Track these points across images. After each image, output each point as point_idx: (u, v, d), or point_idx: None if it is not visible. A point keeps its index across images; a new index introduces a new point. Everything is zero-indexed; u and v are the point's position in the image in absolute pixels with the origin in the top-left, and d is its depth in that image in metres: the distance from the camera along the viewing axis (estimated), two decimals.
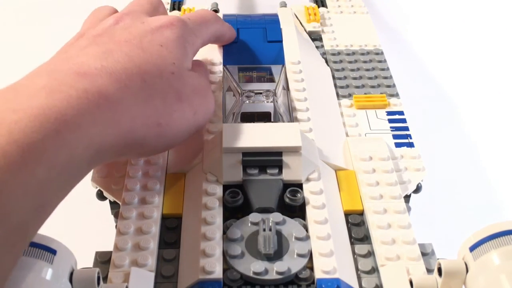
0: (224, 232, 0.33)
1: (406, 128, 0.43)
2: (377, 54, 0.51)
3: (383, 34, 0.59)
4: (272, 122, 0.43)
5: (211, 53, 0.48)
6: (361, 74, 0.48)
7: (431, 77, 0.68)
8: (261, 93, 0.45)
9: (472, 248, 0.28)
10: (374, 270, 0.33)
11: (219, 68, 0.47)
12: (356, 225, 0.35)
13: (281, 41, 0.50)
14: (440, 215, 0.51)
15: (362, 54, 0.51)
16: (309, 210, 0.35)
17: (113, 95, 0.32)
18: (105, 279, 0.31)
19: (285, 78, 0.46)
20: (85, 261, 0.32)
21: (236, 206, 0.35)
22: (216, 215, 0.34)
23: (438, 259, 0.31)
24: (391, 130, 0.43)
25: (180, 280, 0.32)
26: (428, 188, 0.40)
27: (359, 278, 0.32)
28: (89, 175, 0.37)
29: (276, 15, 0.54)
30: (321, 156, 0.39)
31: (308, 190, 0.36)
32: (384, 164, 0.39)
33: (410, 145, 0.41)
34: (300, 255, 0.32)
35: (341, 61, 0.50)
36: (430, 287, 0.30)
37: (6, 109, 0.27)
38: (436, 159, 0.53)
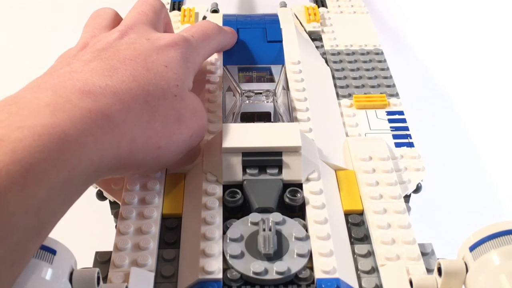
0: (224, 232, 0.33)
1: (406, 128, 0.43)
2: (377, 54, 0.51)
3: (383, 34, 0.59)
4: (272, 122, 0.43)
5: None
6: (361, 74, 0.48)
7: (431, 77, 0.68)
8: (261, 93, 0.45)
9: (472, 248, 0.28)
10: (374, 270, 0.33)
11: (219, 68, 0.47)
12: (356, 225, 0.35)
13: (281, 41, 0.50)
14: (440, 215, 0.51)
15: (362, 54, 0.51)
16: (309, 210, 0.35)
17: (116, 116, 0.31)
18: (105, 279, 0.31)
19: (285, 78, 0.46)
20: (85, 261, 0.32)
21: (236, 206, 0.35)
22: (216, 215, 0.34)
23: (438, 259, 0.31)
24: (391, 130, 0.43)
25: (180, 280, 0.32)
26: (428, 188, 0.40)
27: (359, 278, 0.32)
28: None
29: (276, 15, 0.54)
30: (321, 156, 0.39)
31: (308, 190, 0.36)
32: (384, 164, 0.39)
33: (410, 145, 0.41)
34: (300, 255, 0.32)
35: (341, 61, 0.50)
36: (430, 287, 0.30)
37: (10, 125, 0.27)
38: (436, 159, 0.53)
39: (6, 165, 0.25)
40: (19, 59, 0.68)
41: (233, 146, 0.36)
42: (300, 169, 0.36)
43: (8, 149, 0.26)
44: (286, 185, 0.36)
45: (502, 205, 0.53)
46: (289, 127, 0.38)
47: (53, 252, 0.28)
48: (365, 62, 0.50)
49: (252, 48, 0.49)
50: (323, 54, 0.51)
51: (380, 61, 0.50)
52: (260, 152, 0.36)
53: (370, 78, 0.48)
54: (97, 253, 0.33)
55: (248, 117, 0.43)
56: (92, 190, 0.39)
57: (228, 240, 0.33)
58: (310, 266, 0.31)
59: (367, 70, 0.49)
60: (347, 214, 0.36)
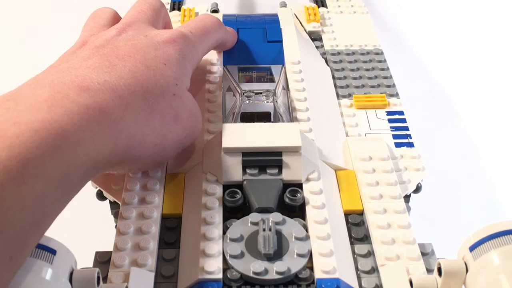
0: (224, 232, 0.33)
1: (406, 128, 0.43)
2: (377, 54, 0.51)
3: (383, 34, 0.59)
4: (272, 122, 0.43)
5: (211, 53, 0.48)
6: (361, 74, 0.48)
7: (431, 77, 0.68)
8: (261, 93, 0.45)
9: (472, 248, 0.28)
10: (374, 270, 0.33)
11: (219, 68, 0.47)
12: (356, 225, 0.35)
13: (281, 41, 0.50)
14: (440, 215, 0.51)
15: (362, 54, 0.51)
16: (309, 210, 0.35)
17: (114, 112, 0.31)
18: (105, 279, 0.31)
19: (285, 78, 0.46)
20: (85, 261, 0.32)
21: (236, 206, 0.35)
22: (216, 215, 0.34)
23: (438, 259, 0.31)
24: (391, 130, 0.43)
25: (180, 280, 0.32)
26: (428, 188, 0.40)
27: (359, 278, 0.32)
28: None
29: (276, 15, 0.54)
30: (321, 156, 0.39)
31: (308, 190, 0.36)
32: (384, 164, 0.39)
33: (410, 145, 0.41)
34: (300, 255, 0.32)
35: (341, 61, 0.50)
36: (430, 287, 0.30)
37: (7, 120, 0.27)
38: (436, 159, 0.53)
39: (3, 160, 0.25)
40: (19, 59, 0.68)
41: (233, 146, 0.36)
42: (300, 169, 0.36)
43: (5, 145, 0.26)
44: (286, 185, 0.36)
45: (502, 205, 0.53)
46: (289, 127, 0.38)
47: (53, 252, 0.28)
48: (365, 62, 0.50)
49: (252, 48, 0.49)
50: (323, 54, 0.51)
51: (380, 61, 0.50)
52: (260, 152, 0.36)
53: (370, 78, 0.48)
54: (97, 253, 0.33)
55: (248, 117, 0.43)
56: (92, 190, 0.39)
57: (228, 240, 0.33)
58: (310, 266, 0.31)
59: (367, 70, 0.49)
60: (347, 214, 0.36)
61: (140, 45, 0.36)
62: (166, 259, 0.33)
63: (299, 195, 0.36)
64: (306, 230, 0.33)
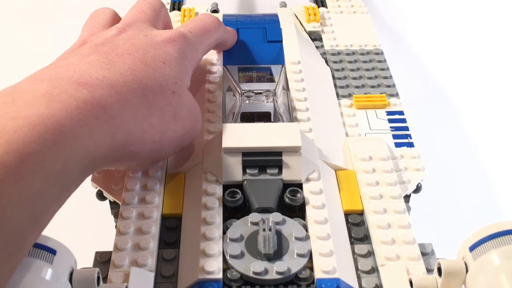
0: (224, 232, 0.33)
1: (406, 128, 0.43)
2: (377, 54, 0.51)
3: (383, 34, 0.59)
4: (272, 122, 0.43)
5: (211, 53, 0.48)
6: (361, 74, 0.48)
7: (431, 77, 0.68)
8: (261, 93, 0.45)
9: (472, 248, 0.28)
10: (374, 270, 0.33)
11: (219, 68, 0.47)
12: (356, 225, 0.35)
13: (281, 41, 0.50)
14: (440, 215, 0.51)
15: (362, 54, 0.51)
16: (309, 210, 0.35)
17: (112, 107, 0.31)
18: (105, 279, 0.31)
19: (285, 78, 0.46)
20: (85, 261, 0.32)
21: (236, 206, 0.35)
22: (216, 215, 0.34)
23: (438, 259, 0.31)
24: (391, 130, 0.43)
25: (180, 280, 0.32)
26: (428, 188, 0.40)
27: (359, 278, 0.32)
28: None
29: (276, 15, 0.54)
30: (321, 156, 0.39)
31: (308, 190, 0.36)
32: (384, 164, 0.39)
33: (410, 145, 0.41)
34: (300, 255, 0.32)
35: (341, 61, 0.50)
36: (430, 287, 0.30)
37: (4, 115, 0.27)
38: (436, 159, 0.53)
39: (1, 155, 0.25)
40: (19, 59, 0.68)
41: (233, 146, 0.36)
42: (300, 169, 0.36)
43: (3, 140, 0.26)
44: (286, 185, 0.36)
45: (502, 205, 0.53)
46: (289, 127, 0.38)
47: (53, 252, 0.28)
48: (365, 62, 0.50)
49: (252, 48, 0.49)
50: (323, 54, 0.51)
51: (380, 61, 0.50)
52: (260, 152, 0.36)
53: (370, 78, 0.48)
54: (97, 253, 0.33)
55: (248, 117, 0.43)
56: (92, 190, 0.39)
57: (228, 240, 0.33)
58: (310, 266, 0.31)
59: (367, 70, 0.49)
60: (347, 214, 0.36)
61: (140, 44, 0.36)
62: (166, 259, 0.33)
63: (299, 195, 0.36)
64: (306, 230, 0.33)
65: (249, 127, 0.38)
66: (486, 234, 0.28)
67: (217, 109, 0.43)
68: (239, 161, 0.36)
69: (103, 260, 0.33)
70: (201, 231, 0.33)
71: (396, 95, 0.46)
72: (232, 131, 0.38)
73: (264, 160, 0.36)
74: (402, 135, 0.42)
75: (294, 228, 0.33)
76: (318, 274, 0.31)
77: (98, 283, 0.28)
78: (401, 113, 0.44)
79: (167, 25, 0.44)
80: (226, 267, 0.31)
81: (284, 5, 0.59)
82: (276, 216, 0.34)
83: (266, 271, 0.31)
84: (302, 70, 0.46)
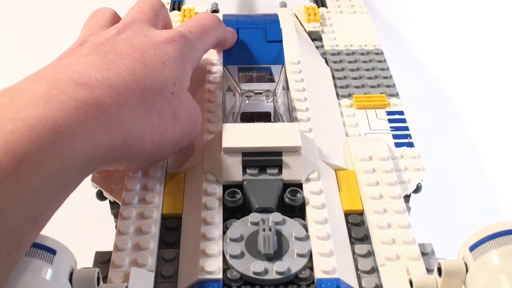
0: (224, 232, 0.33)
1: (406, 128, 0.43)
2: (377, 54, 0.51)
3: (383, 34, 0.59)
4: (272, 122, 0.43)
5: (211, 53, 0.48)
6: (361, 74, 0.48)
7: (431, 77, 0.68)
8: (261, 93, 0.45)
9: (472, 248, 0.28)
10: (374, 270, 0.33)
11: (219, 68, 0.47)
12: (356, 225, 0.35)
13: (281, 41, 0.50)
14: (440, 215, 0.51)
15: (362, 54, 0.51)
16: (309, 210, 0.35)
17: (111, 108, 0.31)
18: (105, 279, 0.31)
19: (285, 78, 0.46)
20: (85, 261, 0.32)
21: (236, 206, 0.35)
22: (216, 215, 0.34)
23: (438, 259, 0.31)
24: (391, 130, 0.43)
25: (180, 280, 0.32)
26: (428, 188, 0.40)
27: (359, 278, 0.32)
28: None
29: (276, 15, 0.54)
30: (321, 156, 0.39)
31: (308, 190, 0.36)
32: (384, 164, 0.39)
33: (410, 145, 0.41)
34: (300, 255, 0.32)
35: (341, 61, 0.50)
36: (430, 287, 0.30)
37: (2, 116, 0.27)
38: (436, 159, 0.53)
39: None
40: (19, 59, 0.68)
41: (233, 146, 0.36)
42: (300, 169, 0.36)
43: (0, 141, 0.26)
44: (286, 185, 0.36)
45: (502, 205, 0.53)
46: (289, 127, 0.38)
47: (53, 252, 0.28)
48: (365, 62, 0.50)
49: (252, 48, 0.49)
50: (323, 54, 0.51)
51: (380, 61, 0.50)
52: (260, 152, 0.36)
53: (370, 78, 0.48)
54: (97, 253, 0.33)
55: (248, 117, 0.43)
56: (92, 190, 0.39)
57: (228, 240, 0.33)
58: (310, 266, 0.31)
59: (367, 70, 0.49)
60: (347, 214, 0.36)
61: (139, 44, 0.36)
62: (166, 259, 0.33)
63: (299, 195, 0.36)
64: (306, 230, 0.33)
65: (249, 127, 0.38)
66: (486, 234, 0.28)
67: (217, 109, 0.43)
68: (239, 161, 0.36)
69: (103, 260, 0.33)
70: (201, 231, 0.33)
71: (396, 95, 0.46)
72: (232, 131, 0.38)
73: (264, 160, 0.36)
74: (402, 135, 0.42)
75: (294, 228, 0.33)
76: (318, 274, 0.31)
77: (98, 283, 0.28)
78: (401, 113, 0.44)
79: (167, 25, 0.44)
80: (226, 267, 0.31)
81: (284, 5, 0.59)
82: (276, 216, 0.34)
83: (266, 271, 0.31)
84: (302, 70, 0.46)
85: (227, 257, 0.32)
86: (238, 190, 0.36)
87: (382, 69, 0.49)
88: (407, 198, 0.39)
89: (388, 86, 0.47)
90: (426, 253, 0.33)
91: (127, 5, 0.42)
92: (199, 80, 0.45)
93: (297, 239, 0.33)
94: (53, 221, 0.29)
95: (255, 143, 0.37)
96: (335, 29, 0.54)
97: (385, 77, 0.48)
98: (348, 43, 0.52)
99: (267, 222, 0.33)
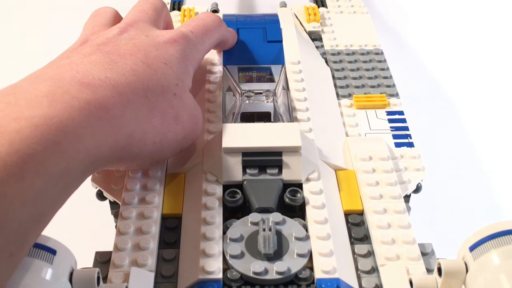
0: (224, 232, 0.33)
1: (406, 128, 0.43)
2: (377, 54, 0.51)
3: (383, 34, 0.59)
4: (272, 122, 0.43)
5: (211, 53, 0.48)
6: (361, 74, 0.48)
7: (431, 77, 0.68)
8: (261, 93, 0.45)
9: (472, 248, 0.28)
10: (374, 270, 0.33)
11: (219, 68, 0.47)
12: (356, 225, 0.35)
13: (281, 41, 0.50)
14: (440, 215, 0.51)
15: (362, 54, 0.51)
16: (309, 210, 0.35)
17: (115, 108, 0.31)
18: (105, 279, 0.31)
19: (285, 78, 0.46)
20: (85, 261, 0.32)
21: (236, 206, 0.35)
22: (216, 215, 0.34)
23: (438, 259, 0.31)
24: (391, 130, 0.43)
25: (180, 280, 0.32)
26: (428, 188, 0.40)
27: (359, 278, 0.32)
28: None
29: (276, 15, 0.54)
30: (321, 156, 0.39)
31: (308, 190, 0.36)
32: (384, 164, 0.39)
33: (410, 145, 0.41)
34: (300, 255, 0.32)
35: (341, 61, 0.50)
36: (430, 287, 0.30)
37: (7, 115, 0.27)
38: (436, 159, 0.53)
39: (3, 156, 0.25)
40: (19, 59, 0.68)
41: (233, 146, 0.36)
42: (300, 169, 0.36)
43: (5, 140, 0.26)
44: (286, 185, 0.36)
45: (502, 205, 0.53)
46: (289, 127, 0.38)
47: (53, 252, 0.28)
48: (365, 62, 0.50)
49: (252, 48, 0.49)
50: (323, 54, 0.51)
51: (380, 61, 0.50)
52: (260, 152, 0.36)
53: (370, 78, 0.48)
54: (97, 253, 0.33)
55: (248, 117, 0.43)
56: (92, 190, 0.39)
57: (228, 240, 0.33)
58: (310, 266, 0.31)
59: (367, 70, 0.49)
60: (347, 214, 0.36)
61: (142, 44, 0.36)
62: (166, 259, 0.33)
63: (299, 195, 0.36)
64: (306, 230, 0.33)
65: (249, 127, 0.38)
66: (486, 234, 0.28)
67: (217, 109, 0.43)
68: (239, 161, 0.36)
69: (103, 260, 0.33)
70: (201, 231, 0.33)
71: (396, 95, 0.46)
72: (232, 131, 0.38)
73: (264, 160, 0.36)
74: (402, 135, 0.42)
75: (294, 228, 0.33)
76: (318, 274, 0.31)
77: (98, 283, 0.28)
78: (401, 113, 0.44)
79: (168, 25, 0.44)
80: (226, 267, 0.31)
81: (284, 5, 0.59)
82: (276, 216, 0.34)
83: (266, 271, 0.31)
84: (302, 70, 0.46)
85: (227, 257, 0.32)
86: (238, 190, 0.36)
87: (382, 69, 0.49)
88: (407, 198, 0.39)
89: (388, 86, 0.47)
90: (426, 253, 0.33)
91: (128, 5, 0.42)
92: (199, 80, 0.45)
93: (297, 239, 0.33)
94: (53, 221, 0.29)
95: (255, 143, 0.37)
96: (335, 29, 0.54)
97: (385, 77, 0.48)
98: (348, 43, 0.52)
99: (267, 222, 0.33)
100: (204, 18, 0.43)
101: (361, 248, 0.34)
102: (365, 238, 0.35)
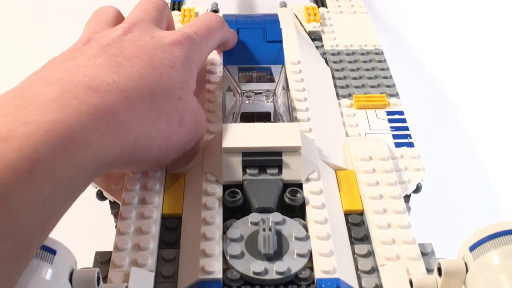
0: (224, 232, 0.33)
1: (406, 128, 0.43)
2: (377, 54, 0.51)
3: (383, 34, 0.59)
4: (272, 122, 0.43)
5: (211, 53, 0.48)
6: (361, 74, 0.48)
7: (431, 77, 0.68)
8: (261, 93, 0.45)
9: (472, 248, 0.28)
10: (374, 270, 0.33)
11: (219, 68, 0.47)
12: (356, 225, 0.35)
13: (281, 41, 0.50)
14: (440, 215, 0.51)
15: (362, 54, 0.51)
16: (309, 210, 0.35)
17: (122, 113, 0.31)
18: (105, 279, 0.31)
19: (285, 78, 0.46)
20: (85, 261, 0.32)
21: (236, 206, 0.35)
22: (216, 215, 0.34)
23: (438, 259, 0.31)
24: (391, 130, 0.43)
25: (180, 280, 0.32)
26: (428, 188, 0.40)
27: (359, 278, 0.32)
28: None
29: (276, 15, 0.54)
30: (321, 156, 0.39)
31: (308, 190, 0.36)
32: (384, 164, 0.39)
33: (410, 145, 0.41)
34: (300, 255, 0.32)
35: (341, 61, 0.50)
36: (430, 287, 0.30)
37: (16, 119, 0.27)
38: (436, 159, 0.53)
39: (13, 161, 0.25)
40: (19, 58, 0.68)
41: (233, 146, 0.36)
42: (300, 169, 0.36)
43: (15, 145, 0.26)
44: (286, 185, 0.36)
45: (502, 205, 0.53)
46: (289, 127, 0.38)
47: (53, 252, 0.28)
48: (365, 62, 0.50)
49: (252, 48, 0.49)
50: (323, 54, 0.51)
51: (380, 61, 0.50)
52: (260, 152, 0.36)
53: (370, 78, 0.48)
54: (97, 253, 0.33)
55: (248, 117, 0.43)
56: (92, 190, 0.39)
57: (228, 240, 0.33)
58: (310, 266, 0.31)
59: (367, 70, 0.49)
60: (347, 214, 0.36)
61: (147, 46, 0.36)
62: (166, 259, 0.33)
63: (299, 195, 0.36)
64: (306, 230, 0.33)
65: (249, 127, 0.38)
66: (486, 234, 0.28)
67: (217, 109, 0.43)
68: (239, 161, 0.36)
69: (103, 260, 0.33)
70: (201, 231, 0.33)
71: (396, 95, 0.46)
72: (232, 131, 0.38)
73: (264, 160, 0.36)
74: (402, 135, 0.42)
75: (294, 228, 0.33)
76: (318, 274, 0.31)
77: (98, 283, 0.28)
78: (401, 113, 0.44)
79: (170, 25, 0.44)
80: (226, 267, 0.31)
81: (284, 5, 0.59)
82: (276, 216, 0.34)
83: (266, 271, 0.31)
84: (302, 70, 0.46)
85: (227, 257, 0.32)
86: (238, 190, 0.36)
87: (382, 69, 0.49)
88: (407, 198, 0.39)
89: (388, 86, 0.47)
90: (426, 253, 0.33)
91: (129, 5, 0.42)
92: (199, 80, 0.45)
93: (297, 239, 0.33)
94: (58, 222, 0.29)
95: (255, 143, 0.37)
96: (335, 29, 0.54)
97: (385, 77, 0.48)
98: (348, 43, 0.52)
99: (267, 222, 0.33)
100: (208, 19, 0.43)
101: (361, 248, 0.34)
102: (365, 238, 0.35)
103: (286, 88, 0.45)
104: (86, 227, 0.48)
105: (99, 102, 0.30)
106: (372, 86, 0.47)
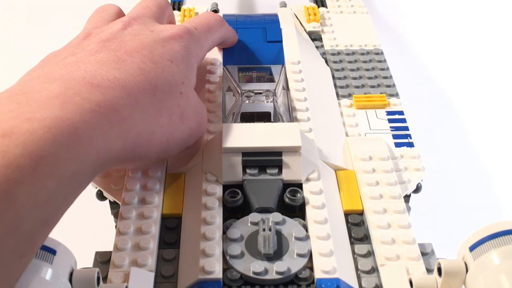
0: (224, 232, 0.33)
1: (406, 128, 0.43)
2: (377, 54, 0.51)
3: (383, 34, 0.59)
4: (272, 122, 0.43)
5: (211, 53, 0.48)
6: (361, 74, 0.48)
7: (431, 77, 0.68)
8: (261, 93, 0.45)
9: (471, 248, 0.28)
10: (374, 270, 0.33)
11: (219, 68, 0.47)
12: (356, 225, 0.35)
13: (281, 41, 0.50)
14: (440, 215, 0.51)
15: (362, 54, 0.51)
16: (308, 210, 0.35)
17: (124, 109, 0.31)
18: (105, 279, 0.31)
19: (285, 78, 0.46)
20: (85, 261, 0.32)
21: (236, 206, 0.35)
22: (216, 215, 0.34)
23: (438, 259, 0.31)
24: (391, 130, 0.43)
25: (180, 280, 0.32)
26: (428, 188, 0.40)
27: (359, 278, 0.32)
28: None
29: (276, 15, 0.54)
30: (321, 156, 0.39)
31: (307, 190, 0.36)
32: (384, 164, 0.39)
33: (410, 145, 0.41)
34: (300, 255, 0.32)
35: (341, 61, 0.50)
36: (430, 287, 0.30)
37: (19, 115, 0.27)
38: (436, 159, 0.53)
39: (17, 158, 0.25)
40: (19, 58, 0.68)
41: (233, 146, 0.36)
42: (300, 169, 0.36)
43: (19, 142, 0.26)
44: (286, 185, 0.36)
45: (502, 205, 0.53)
46: (289, 127, 0.38)
47: (53, 252, 0.28)
48: (365, 62, 0.50)
49: (252, 48, 0.49)
50: (323, 54, 0.51)
51: (380, 61, 0.50)
52: (260, 152, 0.36)
53: (370, 78, 0.48)
54: (97, 253, 0.33)
55: (248, 117, 0.43)
56: (92, 190, 0.39)
57: (228, 240, 0.33)
58: (310, 266, 0.31)
59: (367, 70, 0.49)
60: (347, 214, 0.36)
61: (147, 41, 0.36)
62: (166, 259, 0.33)
63: (299, 195, 0.36)
64: (306, 230, 0.33)
65: (249, 127, 0.38)
66: (486, 234, 0.28)
67: (217, 109, 0.43)
68: (239, 161, 0.36)
69: (103, 260, 0.33)
70: (201, 231, 0.33)
71: (396, 95, 0.46)
72: (232, 131, 0.38)
73: (264, 160, 0.36)
74: (402, 135, 0.42)
75: (294, 228, 0.33)
76: (318, 274, 0.31)
77: (98, 283, 0.28)
78: (401, 113, 0.44)
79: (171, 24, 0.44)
80: (226, 267, 0.31)
81: (284, 5, 0.59)
82: (276, 216, 0.34)
83: (266, 271, 0.31)
84: (302, 70, 0.46)
85: (227, 257, 0.32)
86: (238, 190, 0.36)
87: (382, 69, 0.49)
88: (407, 198, 0.39)
89: (388, 86, 0.47)
90: (426, 253, 0.33)
91: (130, 5, 0.42)
92: (199, 80, 0.45)
93: (297, 239, 0.33)
94: (60, 218, 0.29)
95: (255, 143, 0.37)
96: (335, 29, 0.54)
97: (385, 77, 0.48)
98: (348, 43, 0.52)
99: (267, 222, 0.33)
100: (207, 17, 0.43)
101: (361, 248, 0.34)
102: (365, 238, 0.35)
103: (286, 88, 0.45)
104: (86, 227, 0.48)
105: (101, 99, 0.30)
106: (372, 86, 0.47)
